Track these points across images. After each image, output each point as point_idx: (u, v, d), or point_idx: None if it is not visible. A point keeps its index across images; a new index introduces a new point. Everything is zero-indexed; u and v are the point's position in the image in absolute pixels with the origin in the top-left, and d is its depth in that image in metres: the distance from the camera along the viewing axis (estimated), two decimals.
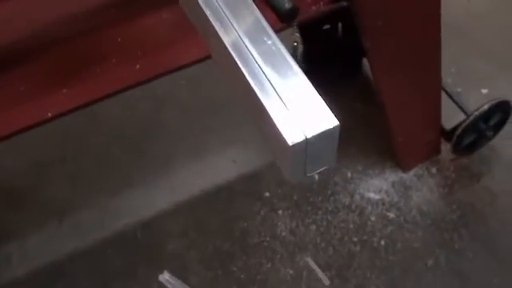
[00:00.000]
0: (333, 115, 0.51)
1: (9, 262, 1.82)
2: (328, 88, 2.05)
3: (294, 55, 1.36)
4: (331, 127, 0.51)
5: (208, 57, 1.27)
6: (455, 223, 1.79)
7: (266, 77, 0.55)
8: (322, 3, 1.35)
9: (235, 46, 0.60)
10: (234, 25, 0.60)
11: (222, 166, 1.89)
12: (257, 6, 0.68)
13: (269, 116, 0.52)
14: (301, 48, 2.00)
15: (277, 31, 0.68)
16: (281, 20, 0.78)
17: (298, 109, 0.52)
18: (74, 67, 1.25)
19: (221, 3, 0.62)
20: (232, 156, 1.89)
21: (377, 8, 1.34)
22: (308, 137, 0.50)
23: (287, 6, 0.76)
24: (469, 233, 1.77)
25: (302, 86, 0.54)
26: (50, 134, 1.95)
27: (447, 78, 1.90)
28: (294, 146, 0.50)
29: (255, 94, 0.55)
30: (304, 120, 0.51)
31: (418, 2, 1.41)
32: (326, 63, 2.06)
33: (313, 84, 0.56)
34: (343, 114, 2.05)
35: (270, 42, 0.58)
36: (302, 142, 0.50)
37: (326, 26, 1.86)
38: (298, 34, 1.30)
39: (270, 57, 0.57)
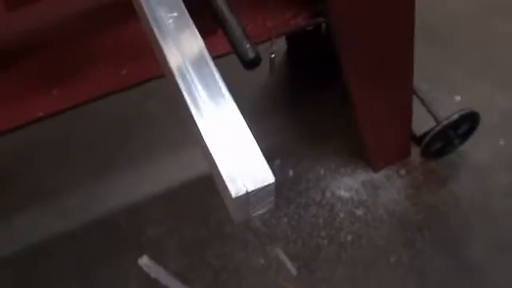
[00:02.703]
0: (270, 172, 0.60)
1: None
2: (310, 87, 2.16)
3: (271, 66, 1.45)
4: (269, 183, 0.60)
5: None
6: (419, 224, 1.89)
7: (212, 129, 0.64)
8: (300, 18, 1.44)
9: (181, 75, 0.70)
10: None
11: (202, 159, 1.98)
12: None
13: (216, 166, 0.62)
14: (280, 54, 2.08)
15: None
16: (244, 67, 0.86)
17: (240, 162, 0.61)
18: (65, 69, 1.33)
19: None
20: None
21: (351, 24, 1.43)
22: (249, 190, 0.60)
23: (251, 55, 0.84)
24: (431, 234, 1.87)
25: (245, 138, 0.63)
26: None
27: (422, 84, 1.99)
28: (237, 197, 0.59)
29: (204, 143, 0.64)
30: (246, 173, 0.60)
31: (392, 18, 1.50)
32: (310, 62, 2.15)
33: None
34: (322, 114, 2.15)
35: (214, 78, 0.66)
36: (243, 194, 0.60)
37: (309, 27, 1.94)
38: (274, 48, 1.38)
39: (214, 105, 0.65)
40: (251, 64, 0.84)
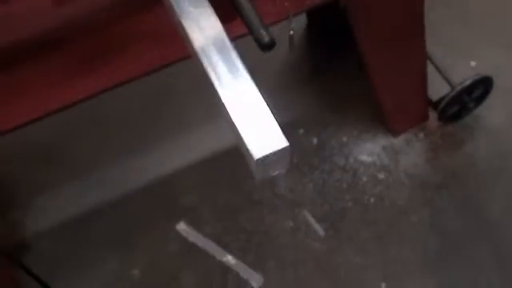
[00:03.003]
0: (284, 137, 0.73)
1: (44, 214, 2.08)
2: (331, 57, 2.27)
3: (291, 42, 1.57)
4: (283, 146, 0.73)
5: None
6: (438, 185, 2.00)
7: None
8: None
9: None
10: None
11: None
12: None
13: (239, 134, 0.75)
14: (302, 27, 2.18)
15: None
16: (260, 49, 0.97)
17: (259, 130, 0.74)
18: (104, 54, 1.47)
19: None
20: None
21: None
22: (267, 153, 0.73)
23: (266, 39, 0.95)
24: (449, 193, 1.98)
25: (261, 109, 0.76)
26: None
27: (438, 51, 2.09)
28: (257, 159, 0.72)
29: (228, 115, 0.77)
30: (263, 140, 0.73)
31: None
32: (330, 35, 2.26)
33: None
34: (342, 84, 2.26)
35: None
36: (262, 157, 0.73)
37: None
38: (293, 25, 1.50)
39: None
40: (267, 47, 0.96)
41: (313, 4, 1.54)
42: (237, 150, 2.07)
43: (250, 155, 0.73)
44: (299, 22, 2.28)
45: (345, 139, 2.10)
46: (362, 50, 1.76)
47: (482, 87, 2.00)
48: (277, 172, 0.77)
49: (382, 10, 1.64)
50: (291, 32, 1.52)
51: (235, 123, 0.75)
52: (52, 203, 2.10)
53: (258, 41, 0.95)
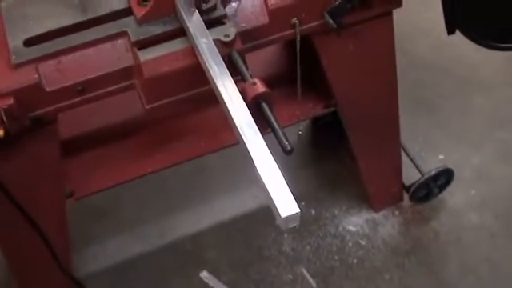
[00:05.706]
0: (296, 204, 1.28)
1: (94, 259, 2.58)
2: (329, 148, 2.82)
3: (299, 137, 2.13)
4: (297, 211, 1.27)
5: None
6: (407, 251, 2.53)
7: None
8: (318, 108, 2.13)
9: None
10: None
11: (247, 200, 2.67)
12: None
13: (271, 198, 1.29)
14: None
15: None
16: (284, 153, 1.49)
17: (284, 200, 1.29)
18: (163, 141, 2.03)
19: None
20: (255, 193, 2.66)
21: (351, 112, 2.13)
22: (288, 215, 1.27)
23: (288, 148, 1.47)
24: (416, 258, 2.51)
25: (285, 189, 1.31)
26: None
27: (413, 146, 2.68)
28: (284, 217, 1.27)
29: (266, 190, 1.32)
30: (286, 206, 1.28)
31: (382, 109, 2.19)
32: (330, 128, 2.82)
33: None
34: (337, 168, 2.85)
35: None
36: (285, 216, 1.27)
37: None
38: (301, 127, 2.04)
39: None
40: (288, 152, 1.46)
41: (316, 113, 2.12)
42: (250, 216, 2.63)
43: (279, 214, 1.27)
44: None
45: (336, 212, 2.65)
46: (352, 147, 2.33)
47: (445, 177, 2.55)
48: (293, 225, 1.31)
49: (365, 115, 2.20)
50: (300, 132, 2.09)
51: (271, 195, 1.30)
52: (101, 251, 2.61)
53: (282, 148, 1.47)
